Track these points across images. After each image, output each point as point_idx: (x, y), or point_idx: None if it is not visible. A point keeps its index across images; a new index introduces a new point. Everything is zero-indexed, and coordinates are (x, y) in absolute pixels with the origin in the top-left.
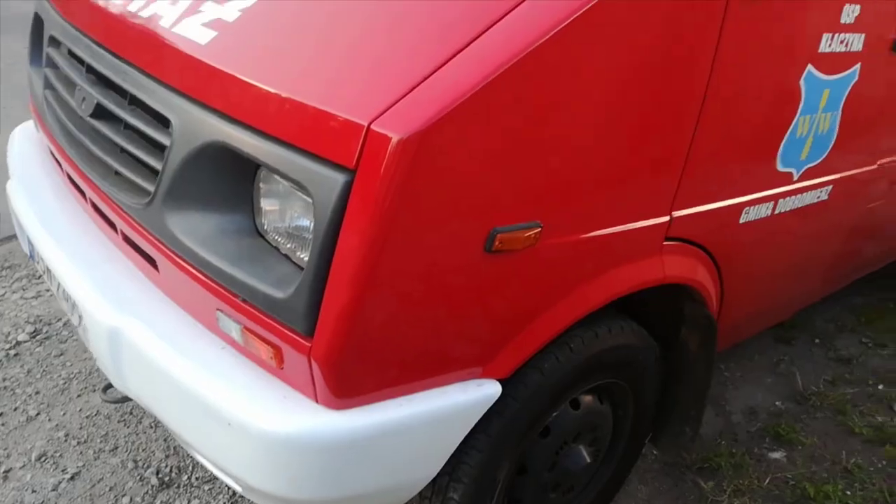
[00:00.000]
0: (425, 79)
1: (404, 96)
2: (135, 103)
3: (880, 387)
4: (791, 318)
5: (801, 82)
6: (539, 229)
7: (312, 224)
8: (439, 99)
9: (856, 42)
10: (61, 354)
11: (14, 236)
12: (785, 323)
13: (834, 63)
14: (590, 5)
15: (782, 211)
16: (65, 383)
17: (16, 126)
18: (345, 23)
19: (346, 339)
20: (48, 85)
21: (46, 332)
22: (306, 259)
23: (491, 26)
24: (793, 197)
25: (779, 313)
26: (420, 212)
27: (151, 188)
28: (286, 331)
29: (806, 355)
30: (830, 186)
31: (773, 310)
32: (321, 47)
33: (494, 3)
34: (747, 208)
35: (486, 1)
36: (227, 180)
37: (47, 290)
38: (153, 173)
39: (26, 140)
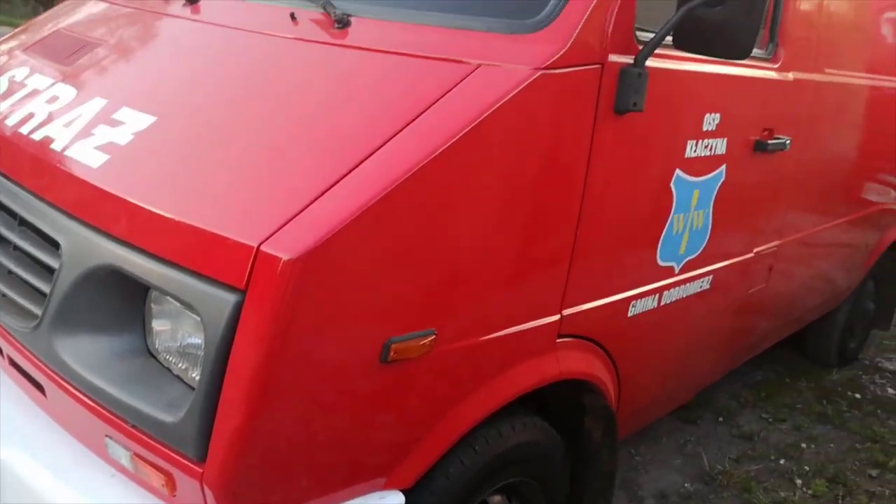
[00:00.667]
0: (314, 200)
1: (293, 217)
2: (24, 225)
3: (782, 461)
4: (695, 397)
5: (672, 185)
6: (433, 336)
7: (203, 343)
8: (328, 219)
9: (719, 146)
10: None
11: None
12: (690, 403)
13: (700, 166)
14: (473, 125)
15: (668, 302)
16: None
17: None
18: (234, 146)
19: (238, 462)
20: None
21: None
22: (198, 379)
23: (378, 148)
24: (676, 288)
25: (677, 397)
26: (311, 329)
27: (39, 311)
28: (177, 456)
29: (711, 434)
30: (711, 276)
31: (670, 394)
32: (211, 170)
33: (380, 125)
34: (634, 302)
35: (371, 124)
36: (118, 302)
37: None
38: (41, 296)
39: None
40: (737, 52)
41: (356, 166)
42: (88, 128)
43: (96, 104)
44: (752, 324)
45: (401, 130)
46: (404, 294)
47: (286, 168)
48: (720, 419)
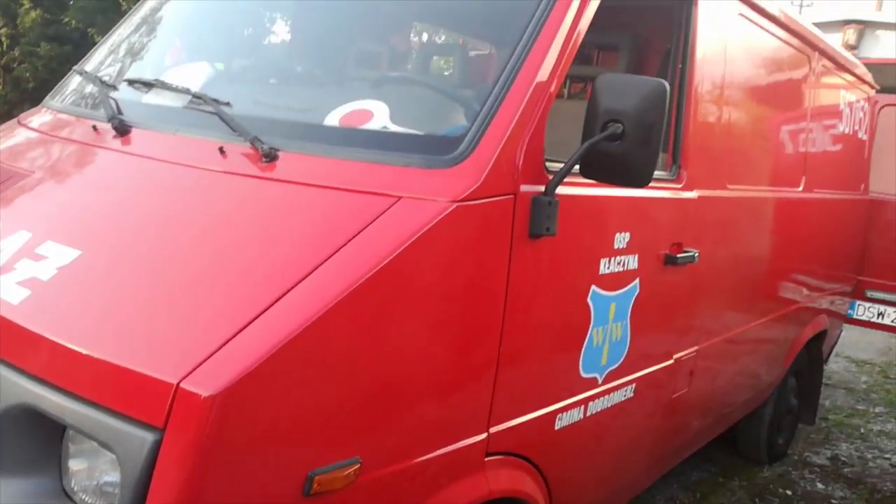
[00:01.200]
0: (235, 335)
1: (214, 353)
2: None
3: None
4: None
5: (589, 300)
6: (358, 465)
7: (120, 483)
8: (248, 354)
9: (631, 262)
10: None
11: None
12: None
13: (615, 281)
14: (393, 256)
15: (593, 412)
16: None
17: None
18: (158, 281)
19: None
20: None
21: None
22: None
23: (301, 280)
24: (601, 399)
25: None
26: (232, 465)
27: None
28: None
29: None
30: (633, 384)
31: (604, 502)
32: (133, 306)
33: (303, 257)
34: (560, 415)
35: (294, 257)
36: (34, 442)
37: None
38: None
39: None
40: (638, 181)
41: (278, 299)
42: (11, 262)
43: (21, 237)
44: (679, 427)
45: (324, 262)
46: (326, 424)
47: (208, 302)
48: None
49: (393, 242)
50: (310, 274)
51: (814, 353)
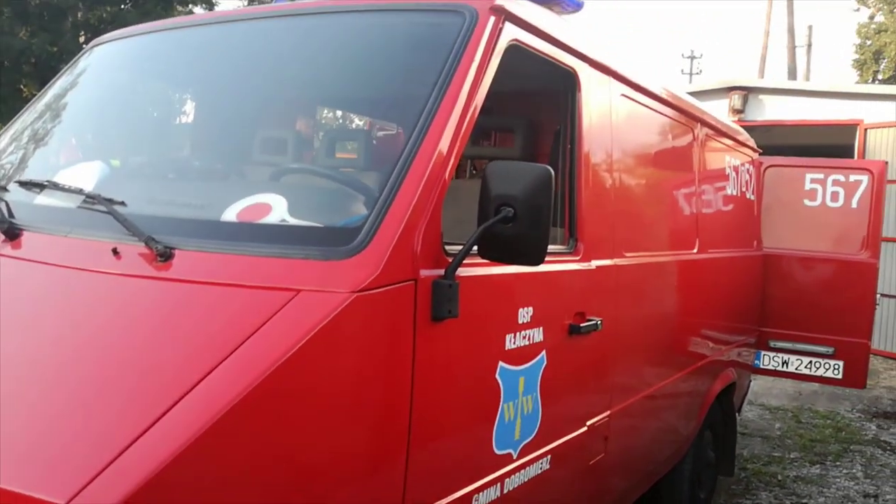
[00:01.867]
0: (127, 447)
1: (105, 468)
2: None
3: None
4: None
5: (497, 376)
6: None
7: None
8: (141, 466)
9: (536, 335)
10: None
11: None
12: None
13: (521, 355)
14: (294, 351)
15: (510, 489)
16: None
17: None
18: (47, 393)
19: None
20: None
21: None
22: None
23: (197, 383)
24: (517, 474)
25: None
26: None
27: None
28: None
29: None
30: (549, 456)
31: None
32: (18, 423)
33: (200, 359)
34: (477, 495)
35: (191, 359)
36: None
37: None
38: None
39: None
40: (532, 259)
41: (172, 407)
42: None
43: None
44: (601, 492)
45: (221, 363)
46: None
47: (100, 415)
48: None
49: (293, 337)
50: (208, 374)
51: (726, 405)
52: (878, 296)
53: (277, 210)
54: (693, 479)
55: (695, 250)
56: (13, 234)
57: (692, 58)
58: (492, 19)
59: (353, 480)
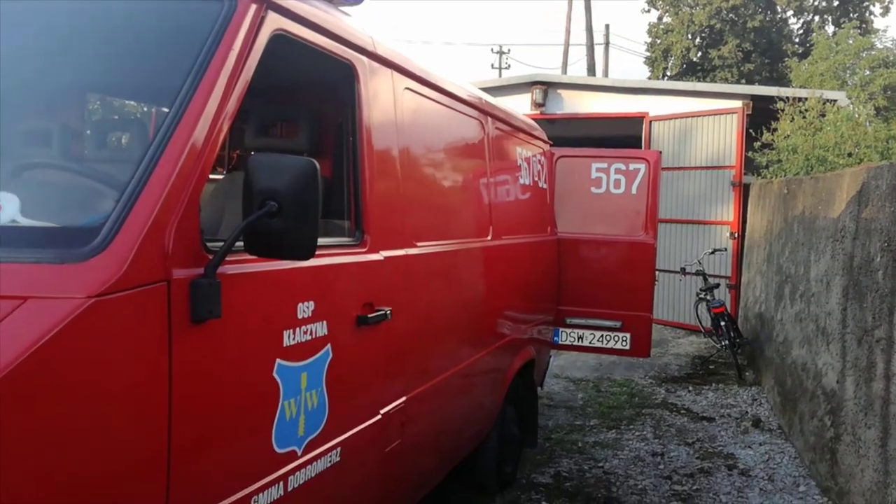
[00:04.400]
0: None
1: None
2: None
3: None
4: None
5: (275, 374)
6: None
7: None
8: None
9: (319, 329)
10: None
11: None
12: None
13: (303, 351)
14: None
15: (296, 486)
16: None
17: None
18: None
19: None
20: None
21: None
22: None
23: None
24: (302, 470)
25: None
26: None
27: None
28: None
29: None
30: (339, 448)
31: None
32: None
33: None
34: (256, 497)
35: None
36: None
37: None
38: None
39: None
40: (301, 254)
41: None
42: None
43: None
44: (400, 477)
45: None
46: None
47: None
48: None
49: (16, 350)
50: None
51: (527, 380)
52: (656, 273)
53: (7, 210)
54: (499, 454)
55: (489, 237)
56: None
57: (501, 53)
58: (253, 7)
59: (105, 497)
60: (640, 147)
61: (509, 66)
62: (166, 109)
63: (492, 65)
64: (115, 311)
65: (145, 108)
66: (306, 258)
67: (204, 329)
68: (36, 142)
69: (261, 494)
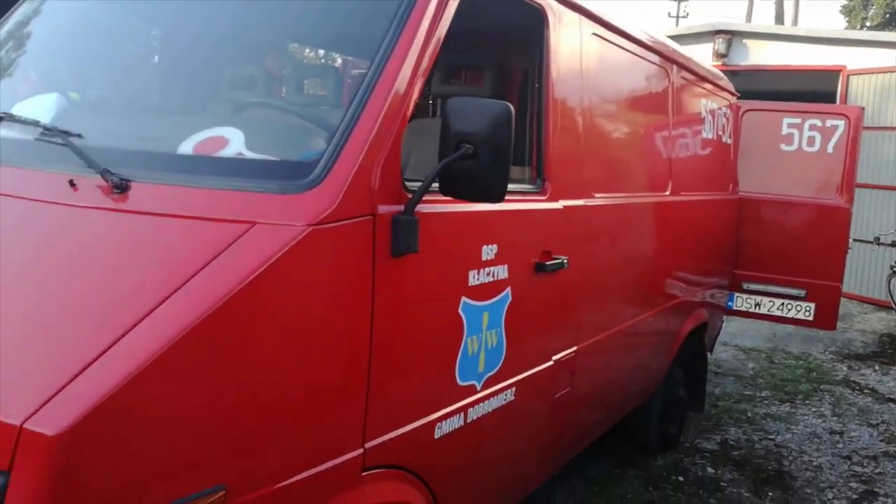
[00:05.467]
0: (81, 371)
1: (59, 391)
2: None
3: None
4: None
5: (461, 311)
6: (223, 492)
7: None
8: (95, 390)
9: (500, 272)
10: None
11: None
12: None
13: (485, 291)
14: (248, 282)
15: (474, 418)
16: None
17: None
18: (3, 324)
19: None
20: None
21: None
22: None
23: (150, 312)
24: (480, 405)
25: None
26: (84, 502)
27: None
28: None
29: None
30: (514, 388)
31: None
32: None
33: (154, 288)
34: (440, 424)
35: (144, 289)
36: None
37: None
38: None
39: None
40: (492, 196)
41: (129, 331)
42: None
43: None
44: (567, 424)
45: (176, 290)
46: (186, 453)
47: (56, 339)
48: None
49: (247, 269)
50: (162, 303)
51: (697, 344)
52: (850, 240)
53: (234, 143)
54: (663, 415)
55: (667, 192)
56: None
57: (679, 0)
58: None
59: (310, 411)
60: (835, 103)
61: (687, 14)
62: (371, 54)
63: (668, 13)
64: (329, 241)
65: (351, 55)
66: (497, 201)
67: (402, 263)
68: (251, 85)
69: (444, 422)
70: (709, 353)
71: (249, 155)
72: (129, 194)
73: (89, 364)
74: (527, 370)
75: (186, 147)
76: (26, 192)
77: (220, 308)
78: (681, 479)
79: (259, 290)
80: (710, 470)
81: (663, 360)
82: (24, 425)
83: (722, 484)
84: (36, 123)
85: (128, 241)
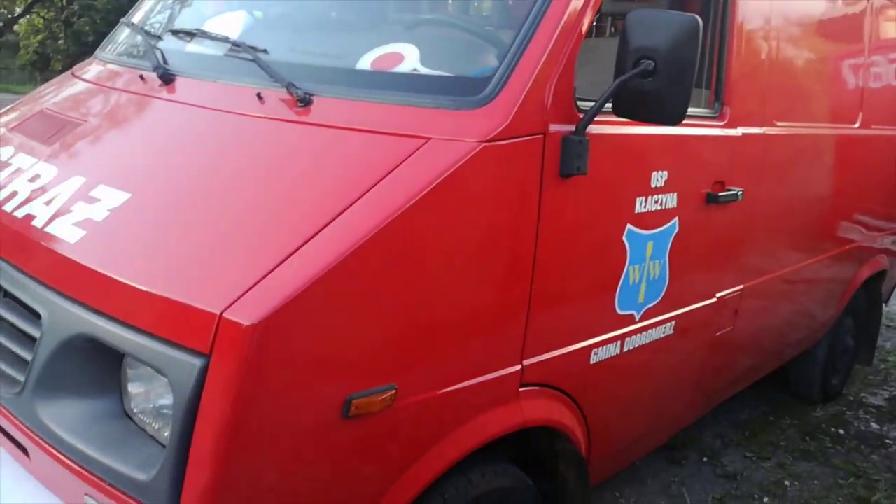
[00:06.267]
0: (274, 268)
1: (254, 285)
2: (8, 297)
3: (765, 500)
4: (680, 437)
5: (624, 238)
6: (394, 391)
7: (173, 404)
8: (286, 285)
9: (669, 200)
10: None
11: None
12: (675, 443)
13: (652, 220)
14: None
15: (631, 348)
16: None
17: None
18: (202, 220)
19: None
20: None
21: None
22: (169, 438)
23: (335, 217)
24: (638, 335)
25: (651, 440)
26: (273, 389)
27: (22, 378)
28: None
29: (695, 474)
30: (673, 322)
31: (643, 438)
32: (180, 243)
33: (338, 195)
34: (596, 350)
35: (329, 195)
36: (95, 368)
37: None
38: (24, 364)
39: None
40: (670, 118)
41: (314, 235)
42: (67, 205)
43: (75, 182)
44: (723, 365)
45: (357, 200)
46: (363, 352)
47: (249, 239)
48: (704, 459)
49: (422, 181)
50: (344, 211)
51: (872, 293)
52: None
53: (410, 59)
54: (827, 364)
55: (857, 125)
56: (168, 79)
57: None
58: None
59: (475, 324)
60: None
61: None
62: None
63: None
64: (499, 157)
65: None
66: (675, 123)
67: (569, 184)
68: (425, 2)
69: (600, 349)
70: (884, 305)
71: (424, 71)
72: (311, 108)
73: (282, 262)
74: (689, 305)
75: (364, 63)
76: (217, 104)
77: (399, 217)
78: (841, 432)
79: (433, 202)
80: (874, 426)
81: (834, 307)
82: (224, 314)
83: (887, 441)
84: (226, 39)
85: (312, 151)
